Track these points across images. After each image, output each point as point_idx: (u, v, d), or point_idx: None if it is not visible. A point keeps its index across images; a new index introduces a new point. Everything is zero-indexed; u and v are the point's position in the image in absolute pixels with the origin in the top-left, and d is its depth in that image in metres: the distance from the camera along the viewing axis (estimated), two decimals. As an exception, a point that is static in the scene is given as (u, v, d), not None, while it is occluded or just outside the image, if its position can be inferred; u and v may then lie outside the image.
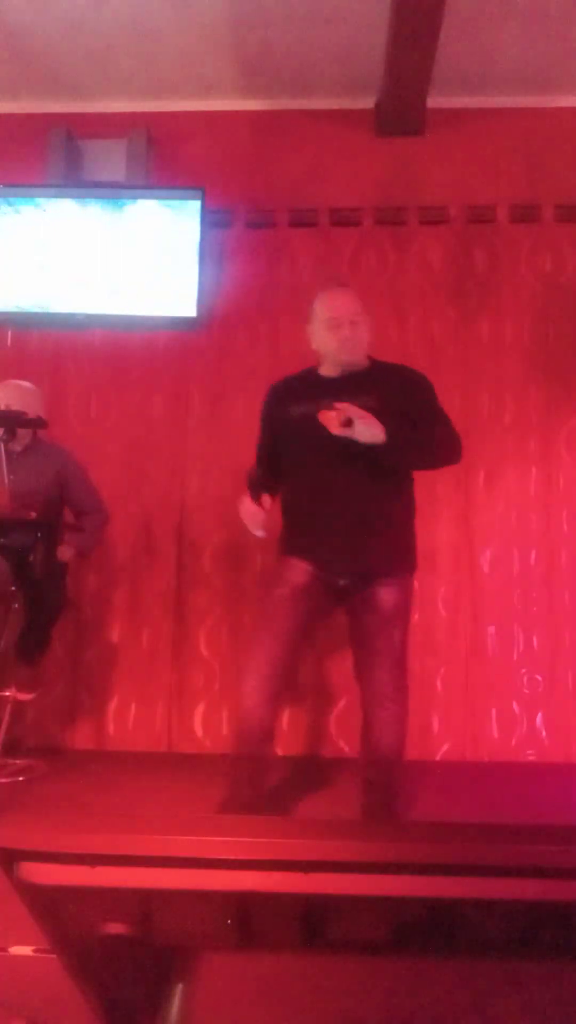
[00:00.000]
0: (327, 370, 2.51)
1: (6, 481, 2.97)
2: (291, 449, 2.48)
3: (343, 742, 3.58)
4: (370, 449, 2.29)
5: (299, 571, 2.38)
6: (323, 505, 2.40)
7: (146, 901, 0.82)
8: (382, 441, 2.26)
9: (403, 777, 2.36)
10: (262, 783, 2.35)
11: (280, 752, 3.61)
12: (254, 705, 2.32)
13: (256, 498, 2.38)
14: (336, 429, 2.28)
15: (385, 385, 2.43)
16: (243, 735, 2.35)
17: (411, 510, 2.52)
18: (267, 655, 2.33)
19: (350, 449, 2.30)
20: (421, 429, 2.40)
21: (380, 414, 2.29)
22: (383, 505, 2.40)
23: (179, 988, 0.86)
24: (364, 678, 2.39)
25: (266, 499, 2.40)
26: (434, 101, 3.91)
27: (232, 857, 0.79)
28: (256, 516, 2.38)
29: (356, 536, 2.36)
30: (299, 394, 2.48)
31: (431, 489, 3.69)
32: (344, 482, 2.37)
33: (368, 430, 2.25)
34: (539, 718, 3.58)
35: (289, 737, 3.62)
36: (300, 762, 3.47)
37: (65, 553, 3.23)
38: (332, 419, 2.29)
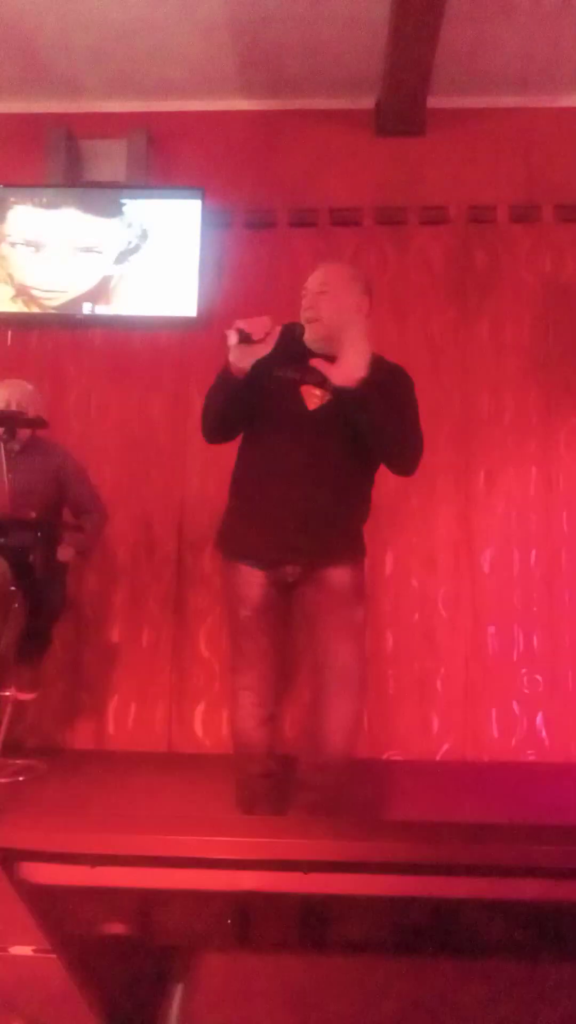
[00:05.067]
0: (312, 344, 2.27)
1: (6, 481, 2.97)
2: (259, 412, 2.24)
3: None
4: (336, 436, 2.16)
5: (252, 585, 2.22)
6: (272, 485, 2.21)
7: (146, 901, 0.82)
8: (359, 377, 2.07)
9: (349, 780, 2.20)
10: (274, 796, 2.27)
11: (279, 752, 3.61)
12: (253, 727, 2.25)
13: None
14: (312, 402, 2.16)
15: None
16: (247, 755, 2.27)
17: (362, 509, 2.32)
18: (254, 674, 2.24)
19: (316, 432, 2.17)
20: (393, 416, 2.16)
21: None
22: (334, 498, 2.20)
23: (179, 988, 0.86)
24: (320, 662, 2.18)
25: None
26: (434, 101, 3.91)
27: (232, 857, 0.79)
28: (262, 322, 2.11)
29: (302, 527, 2.17)
30: (290, 356, 2.23)
31: (431, 488, 3.70)
32: (302, 463, 2.18)
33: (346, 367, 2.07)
34: (539, 718, 3.58)
35: (287, 737, 3.62)
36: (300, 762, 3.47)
37: (65, 553, 3.23)
38: (314, 396, 2.17)
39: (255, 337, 2.11)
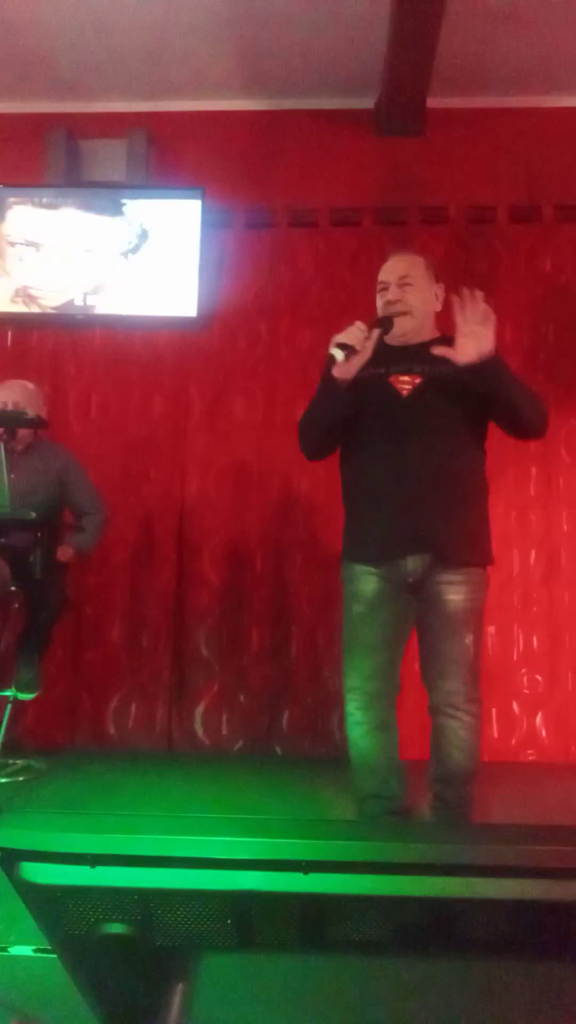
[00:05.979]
0: (391, 338, 2.26)
1: (6, 481, 2.97)
2: (353, 420, 2.24)
3: (343, 742, 3.58)
4: (437, 419, 2.17)
5: (368, 581, 2.19)
6: (383, 482, 2.19)
7: (146, 901, 0.82)
8: (485, 355, 2.12)
9: (475, 794, 2.17)
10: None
11: (280, 752, 3.61)
12: (359, 736, 2.19)
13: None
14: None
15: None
16: (361, 770, 2.19)
17: (483, 492, 2.32)
18: (358, 675, 2.20)
19: (414, 419, 2.16)
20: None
21: (447, 383, 2.18)
22: (449, 483, 2.18)
23: (179, 988, 0.86)
24: (432, 686, 2.17)
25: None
26: (434, 101, 3.91)
27: (232, 857, 0.79)
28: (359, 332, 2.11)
29: (419, 516, 2.14)
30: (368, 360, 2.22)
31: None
32: (408, 451, 2.17)
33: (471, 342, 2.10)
34: (539, 718, 3.58)
35: (289, 737, 3.62)
36: (300, 762, 3.47)
37: (65, 553, 3.23)
38: (404, 384, 2.19)
39: (358, 347, 2.12)
